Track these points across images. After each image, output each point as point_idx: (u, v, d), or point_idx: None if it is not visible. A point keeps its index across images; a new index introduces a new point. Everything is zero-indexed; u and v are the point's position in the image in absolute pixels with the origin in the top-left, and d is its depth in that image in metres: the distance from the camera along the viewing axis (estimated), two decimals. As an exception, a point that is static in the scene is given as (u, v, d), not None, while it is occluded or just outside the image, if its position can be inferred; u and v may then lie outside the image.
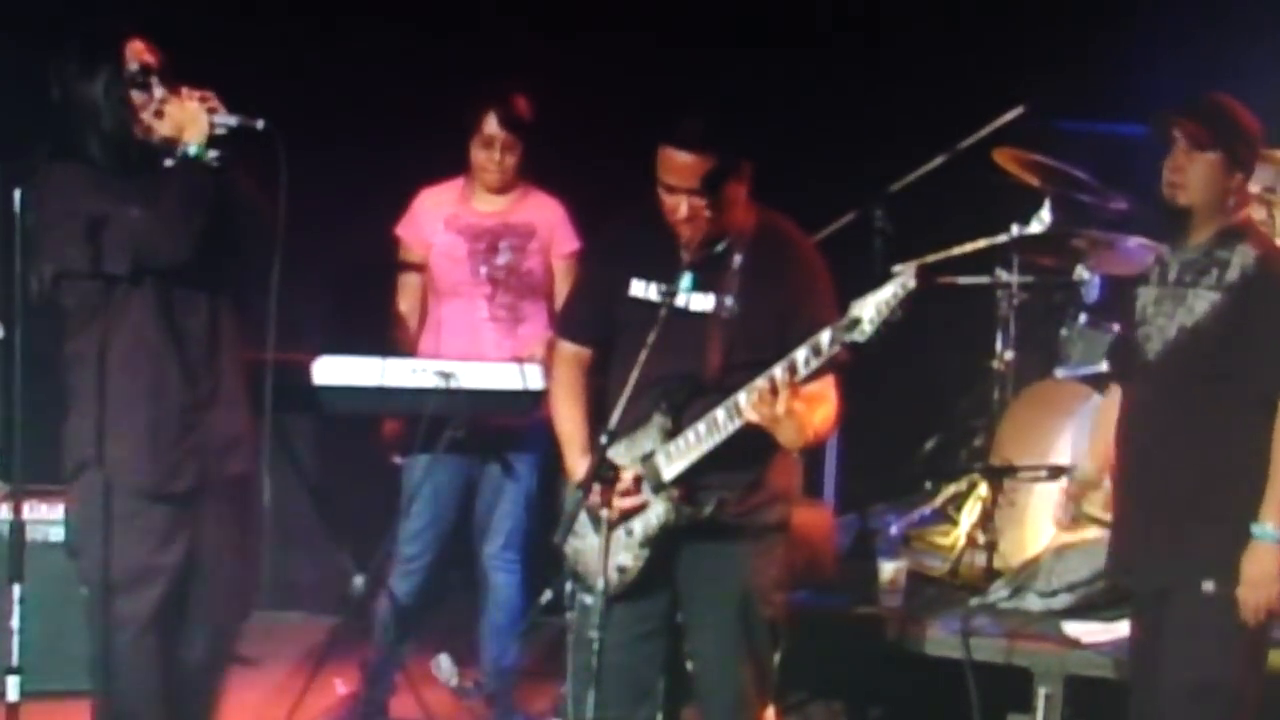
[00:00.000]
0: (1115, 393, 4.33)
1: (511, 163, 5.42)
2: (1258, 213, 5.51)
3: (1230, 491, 3.99)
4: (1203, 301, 4.00)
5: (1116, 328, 4.62)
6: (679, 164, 4.03)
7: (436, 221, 5.52)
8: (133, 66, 4.34)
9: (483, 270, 5.46)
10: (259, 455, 4.45)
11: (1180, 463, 4.02)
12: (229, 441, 4.42)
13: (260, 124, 4.29)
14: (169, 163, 4.33)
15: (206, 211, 4.29)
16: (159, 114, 4.33)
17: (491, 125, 5.37)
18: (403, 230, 5.56)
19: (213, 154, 4.29)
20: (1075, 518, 4.40)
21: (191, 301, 4.38)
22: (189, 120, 4.30)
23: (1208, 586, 3.96)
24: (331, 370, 5.11)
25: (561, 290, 5.38)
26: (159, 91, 4.34)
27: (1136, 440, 4.11)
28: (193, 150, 4.28)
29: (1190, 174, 3.99)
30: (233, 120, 4.31)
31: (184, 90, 4.33)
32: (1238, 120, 4.06)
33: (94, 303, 4.34)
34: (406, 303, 5.56)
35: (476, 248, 5.47)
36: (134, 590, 4.33)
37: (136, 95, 4.32)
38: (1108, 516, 4.40)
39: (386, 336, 5.53)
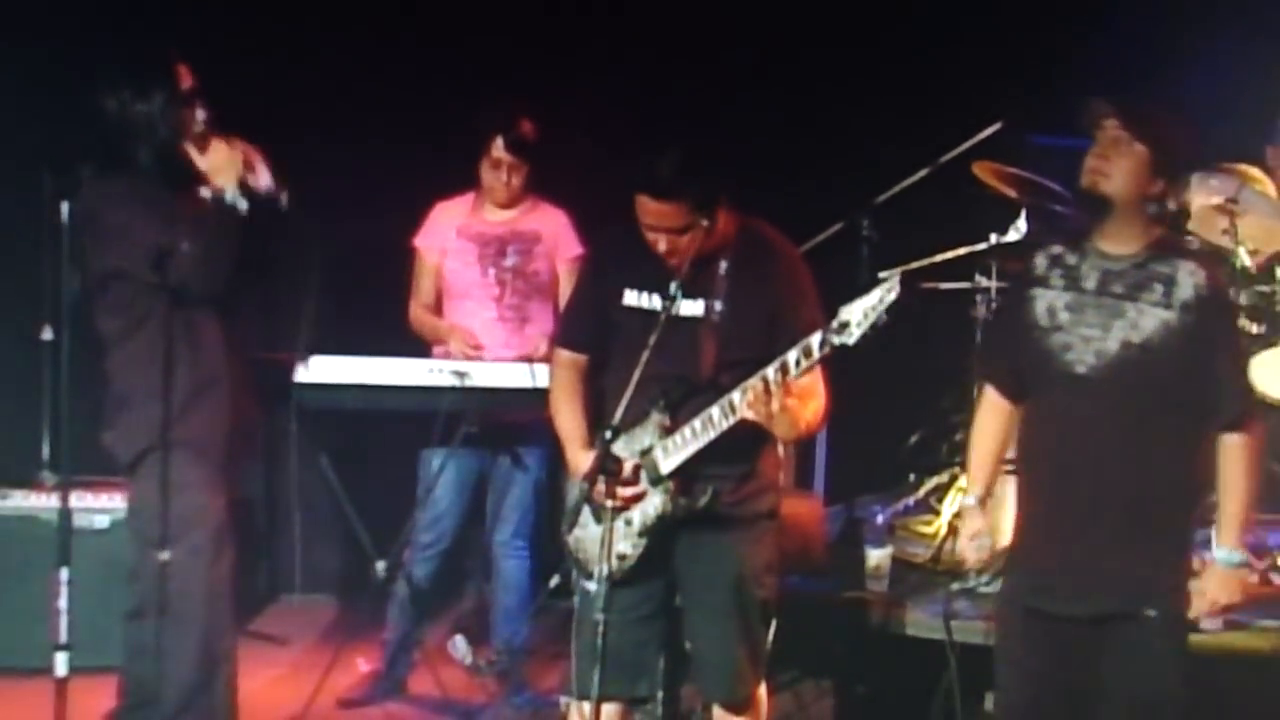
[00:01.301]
0: (990, 402, 4.10)
1: (518, 182, 5.56)
2: (1220, 222, 5.64)
3: (1176, 516, 3.84)
4: (1150, 318, 3.77)
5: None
6: (654, 210, 4.04)
7: (449, 230, 5.65)
8: (184, 85, 4.48)
9: (491, 273, 5.60)
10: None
11: (1125, 485, 3.79)
12: (251, 425, 4.72)
13: (283, 201, 4.44)
14: (205, 193, 4.47)
15: (238, 250, 4.43)
16: (202, 146, 4.49)
17: (498, 149, 5.51)
18: (420, 241, 5.69)
19: (243, 204, 4.43)
20: (983, 548, 4.11)
21: (220, 307, 4.57)
22: (225, 165, 4.46)
23: (1150, 614, 3.81)
24: (352, 370, 5.29)
25: (565, 292, 5.47)
26: (201, 114, 4.50)
27: (1067, 457, 3.84)
28: (227, 196, 4.43)
29: (1115, 164, 3.77)
30: (262, 186, 4.45)
31: (231, 138, 4.48)
32: (1169, 125, 3.83)
33: (141, 310, 4.52)
34: (423, 307, 5.68)
35: (486, 252, 5.60)
36: (196, 530, 4.55)
37: (186, 115, 4.47)
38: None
39: (415, 333, 5.64)
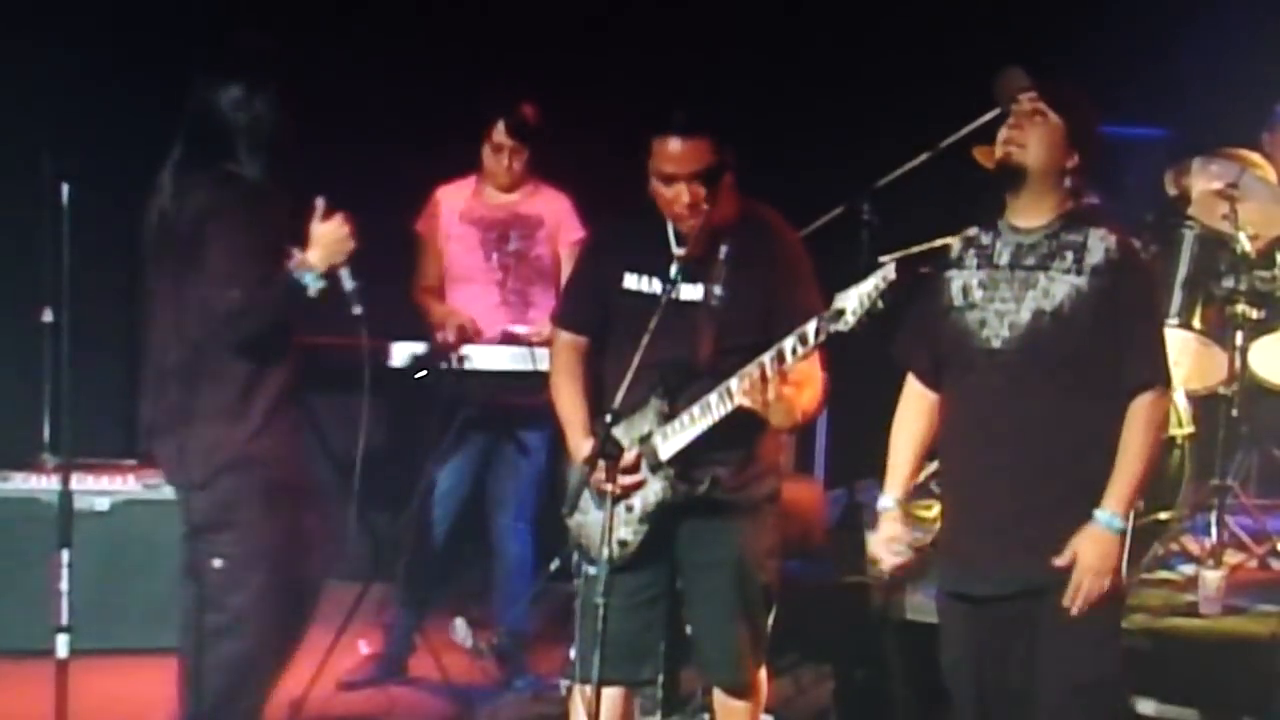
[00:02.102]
0: (910, 395, 4.05)
1: (519, 166, 5.58)
2: (1220, 207, 5.65)
3: (1091, 485, 3.75)
4: (1061, 285, 3.74)
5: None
6: (676, 152, 4.04)
7: (452, 215, 5.67)
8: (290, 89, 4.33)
9: (494, 257, 5.64)
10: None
11: (1048, 454, 3.74)
12: None
13: (357, 310, 4.25)
14: (295, 255, 4.25)
15: (276, 329, 4.24)
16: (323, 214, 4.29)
17: (500, 133, 5.54)
18: (422, 226, 5.71)
19: (314, 288, 4.20)
20: (901, 555, 4.06)
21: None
22: (330, 242, 4.23)
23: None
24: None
25: (566, 276, 5.46)
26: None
27: (983, 431, 3.80)
28: (308, 276, 4.20)
29: (1030, 134, 3.78)
30: (345, 285, 4.22)
31: (347, 218, 4.27)
32: (1082, 100, 3.84)
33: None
34: (427, 291, 5.69)
35: (488, 237, 5.63)
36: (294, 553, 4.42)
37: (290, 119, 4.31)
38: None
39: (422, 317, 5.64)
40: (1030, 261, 3.81)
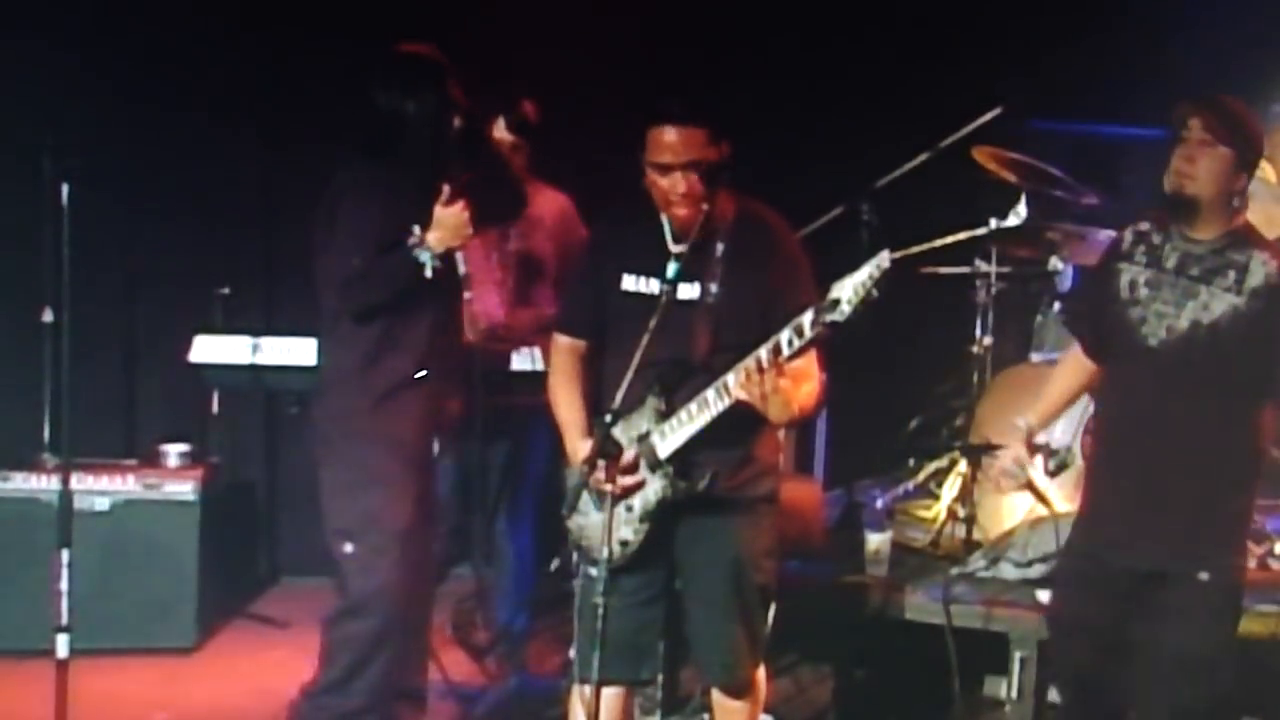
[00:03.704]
0: (1074, 352, 4.33)
1: (519, 163, 5.50)
2: None
3: (1225, 484, 4.05)
4: (1220, 302, 3.98)
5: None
6: (671, 140, 4.04)
7: None
8: (454, 95, 4.64)
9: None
10: None
11: (1187, 454, 4.01)
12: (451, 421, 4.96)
13: (468, 295, 4.65)
14: (415, 234, 4.56)
15: (392, 300, 4.54)
16: (448, 199, 4.59)
17: (501, 129, 5.48)
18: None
19: (430, 268, 4.53)
20: (1017, 479, 4.28)
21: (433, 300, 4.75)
22: (451, 225, 4.58)
23: (1203, 576, 4.02)
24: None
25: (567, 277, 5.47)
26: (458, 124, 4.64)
27: (1135, 423, 4.09)
28: (425, 254, 4.52)
29: (1200, 166, 3.96)
30: (462, 268, 4.65)
31: (468, 205, 4.57)
32: (1249, 123, 4.05)
33: None
34: None
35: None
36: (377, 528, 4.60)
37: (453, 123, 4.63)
38: (1045, 490, 4.46)
39: None
40: (1195, 272, 4.04)
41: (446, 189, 4.58)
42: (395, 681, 4.72)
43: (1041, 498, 5.13)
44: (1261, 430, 4.08)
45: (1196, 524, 4.05)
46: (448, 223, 4.58)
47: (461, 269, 5.60)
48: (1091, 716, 4.29)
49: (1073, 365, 4.36)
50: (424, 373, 4.66)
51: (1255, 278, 3.98)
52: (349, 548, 4.57)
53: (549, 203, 5.69)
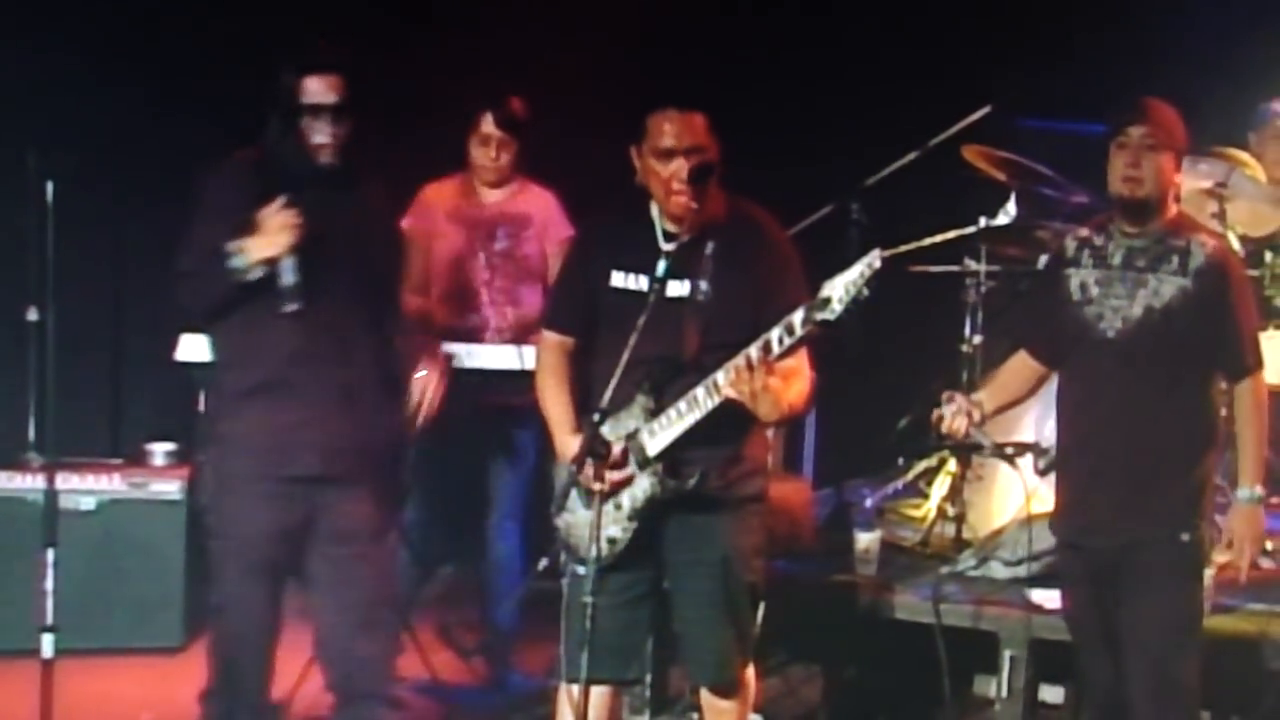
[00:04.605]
0: (1020, 357, 4.53)
1: (507, 160, 5.55)
2: (1209, 206, 5.68)
3: (1193, 452, 4.30)
4: (1169, 286, 4.23)
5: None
6: (676, 126, 4.08)
7: (439, 213, 5.62)
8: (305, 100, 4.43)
9: (481, 256, 5.58)
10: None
11: (1149, 428, 4.26)
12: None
13: (289, 308, 4.35)
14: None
15: (209, 306, 4.41)
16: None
17: (488, 125, 5.50)
18: (409, 224, 5.60)
19: (249, 276, 4.33)
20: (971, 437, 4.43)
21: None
22: (274, 233, 4.35)
23: (1184, 536, 4.24)
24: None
25: (555, 274, 5.40)
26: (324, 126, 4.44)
27: (1102, 410, 4.31)
28: (240, 260, 4.32)
29: (1146, 170, 4.23)
30: (284, 279, 4.34)
31: (296, 223, 4.37)
32: (1179, 125, 4.33)
33: None
34: (414, 291, 5.55)
35: (476, 235, 5.58)
36: (245, 545, 4.50)
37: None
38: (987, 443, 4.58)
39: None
40: (1141, 263, 4.31)
41: (282, 198, 4.39)
42: (250, 690, 4.64)
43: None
44: (1216, 398, 4.37)
45: (1171, 492, 4.28)
46: (267, 227, 4.35)
47: (443, 268, 5.59)
48: (1109, 703, 4.41)
49: (1019, 367, 4.55)
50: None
51: (1197, 259, 4.25)
52: (213, 543, 4.56)
53: (536, 200, 5.69)
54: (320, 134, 4.46)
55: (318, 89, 4.46)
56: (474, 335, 5.57)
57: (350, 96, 4.48)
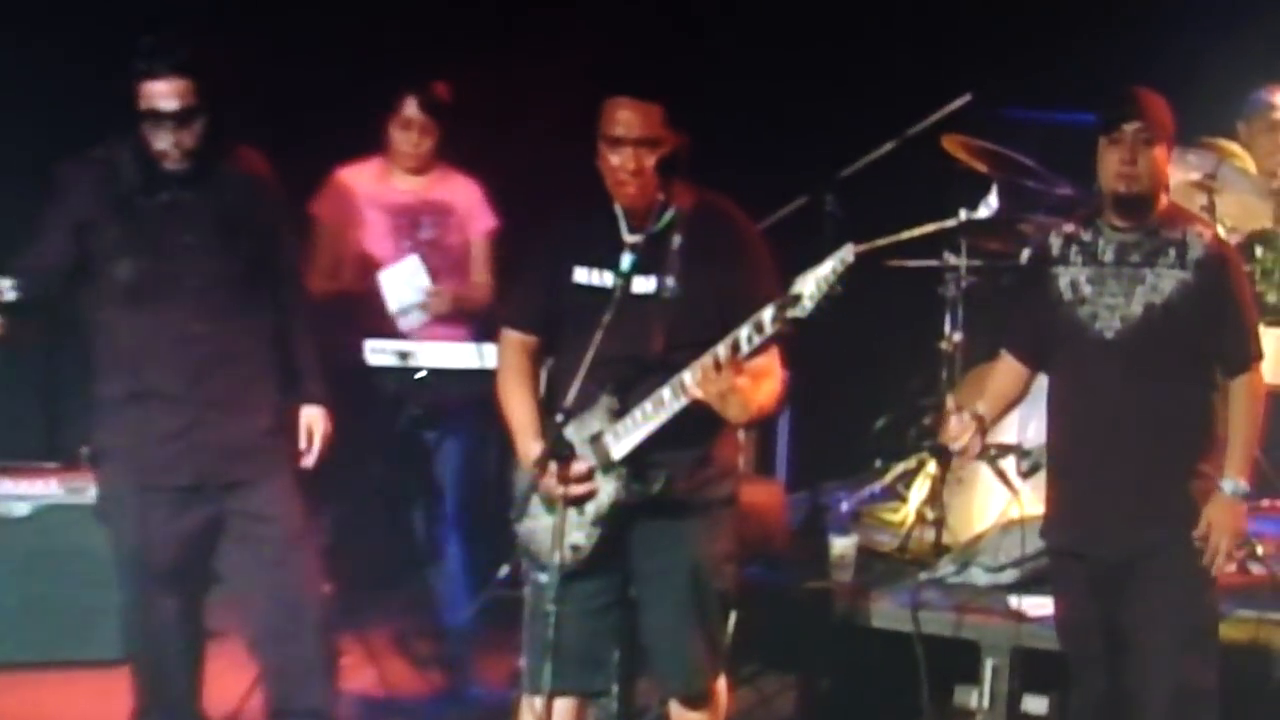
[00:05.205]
0: (1008, 361, 4.44)
1: (428, 146, 5.49)
2: (1198, 198, 5.68)
3: (1198, 451, 4.24)
4: (1169, 280, 4.18)
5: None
6: (630, 116, 4.04)
7: (359, 200, 5.56)
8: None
9: (406, 245, 5.53)
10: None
11: (1154, 429, 4.21)
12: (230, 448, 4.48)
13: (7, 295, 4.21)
14: None
15: None
16: None
17: (410, 108, 5.45)
18: (319, 208, 5.53)
19: (16, 294, 4.21)
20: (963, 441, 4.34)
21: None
22: None
23: (1194, 537, 4.19)
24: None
25: (477, 267, 5.50)
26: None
27: (1101, 415, 4.24)
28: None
29: (1141, 165, 4.17)
30: (8, 295, 4.19)
31: None
32: (1169, 115, 4.26)
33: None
34: (323, 276, 5.45)
35: (399, 223, 5.54)
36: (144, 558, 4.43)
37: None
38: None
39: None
40: (1135, 258, 4.25)
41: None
42: (178, 705, 4.60)
43: (1003, 478, 5.21)
44: (1219, 395, 4.29)
45: (1179, 494, 4.23)
46: None
47: (364, 256, 5.43)
48: (1107, 712, 4.38)
49: (1008, 371, 4.48)
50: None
51: (1195, 250, 4.20)
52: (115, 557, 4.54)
53: (459, 189, 5.65)
54: (162, 141, 4.35)
55: (158, 94, 4.33)
56: (396, 329, 5.47)
57: (199, 100, 4.34)
